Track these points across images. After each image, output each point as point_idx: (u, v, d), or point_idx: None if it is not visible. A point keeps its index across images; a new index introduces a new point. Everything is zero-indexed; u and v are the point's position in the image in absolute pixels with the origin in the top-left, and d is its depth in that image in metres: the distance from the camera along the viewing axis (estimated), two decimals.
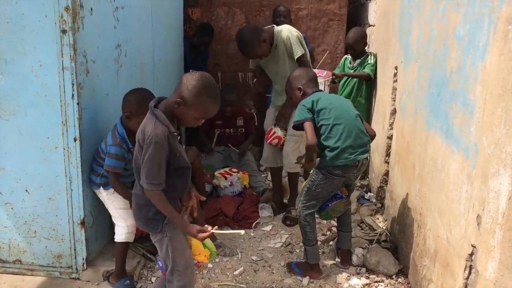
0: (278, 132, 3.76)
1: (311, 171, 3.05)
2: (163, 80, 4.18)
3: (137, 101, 2.75)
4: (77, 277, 2.98)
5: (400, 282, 3.00)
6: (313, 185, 2.97)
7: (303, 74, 3.12)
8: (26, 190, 2.88)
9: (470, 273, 2.00)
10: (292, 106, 3.47)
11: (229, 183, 4.15)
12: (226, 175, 4.20)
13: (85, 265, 2.97)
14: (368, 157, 3.00)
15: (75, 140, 2.77)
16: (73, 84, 2.69)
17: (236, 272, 3.15)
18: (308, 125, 2.89)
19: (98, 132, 2.98)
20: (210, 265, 3.25)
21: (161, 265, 2.37)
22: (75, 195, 2.86)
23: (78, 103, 2.73)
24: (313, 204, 3.02)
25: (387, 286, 2.98)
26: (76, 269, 2.98)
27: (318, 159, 3.01)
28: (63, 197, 2.87)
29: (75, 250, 2.94)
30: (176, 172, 2.19)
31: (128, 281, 2.92)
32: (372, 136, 3.07)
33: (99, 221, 3.08)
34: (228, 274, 3.16)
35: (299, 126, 2.98)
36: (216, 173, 4.25)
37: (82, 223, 2.89)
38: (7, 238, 2.98)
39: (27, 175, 2.86)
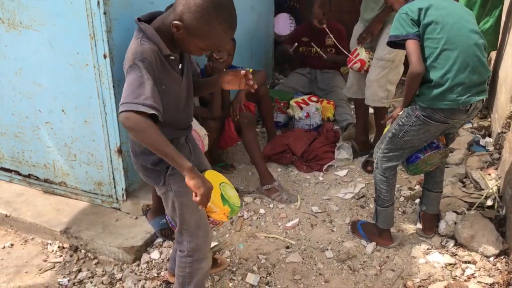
0: (362, 54, 2.97)
1: (401, 112, 2.29)
2: None
3: None
4: (118, 208, 2.76)
5: (498, 269, 2.23)
6: (400, 131, 2.22)
7: None
8: (63, 110, 2.64)
9: None
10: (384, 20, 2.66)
11: (305, 114, 3.53)
12: (302, 105, 3.56)
13: (125, 196, 2.71)
14: (485, 99, 2.14)
15: (104, 57, 2.38)
16: None
17: (289, 224, 2.65)
18: (412, 44, 2.07)
19: None
20: (262, 211, 2.78)
21: (170, 219, 1.95)
22: (110, 120, 2.54)
23: (105, 13, 2.30)
24: (397, 156, 2.30)
25: (478, 270, 2.24)
26: (117, 199, 2.74)
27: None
28: (97, 121, 2.57)
29: (114, 179, 2.69)
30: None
31: (164, 220, 2.60)
32: None
33: None
34: (279, 224, 2.68)
35: (397, 43, 2.16)
36: (292, 102, 3.63)
37: (119, 151, 2.59)
38: (51, 158, 2.84)
39: (62, 94, 2.60)
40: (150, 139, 1.50)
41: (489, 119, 3.79)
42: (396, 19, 2.15)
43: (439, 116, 2.12)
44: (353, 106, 3.88)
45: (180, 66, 1.70)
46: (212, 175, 1.83)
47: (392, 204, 2.38)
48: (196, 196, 1.56)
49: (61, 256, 2.53)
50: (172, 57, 1.61)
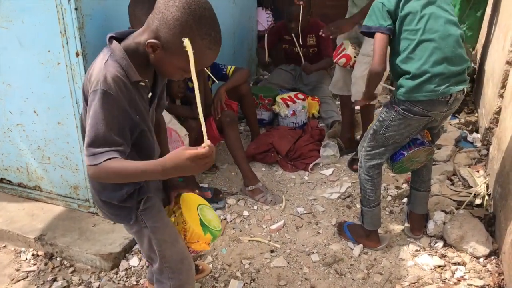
0: (348, 49, 2.88)
1: (381, 108, 2.22)
2: None
3: (135, 15, 2.19)
4: (95, 212, 2.64)
5: (488, 270, 2.17)
6: (382, 127, 2.15)
7: None
8: (35, 111, 2.51)
9: None
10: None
11: (291, 112, 3.43)
12: (289, 102, 3.46)
13: None
14: (465, 89, 2.08)
15: (77, 55, 2.26)
16: None
17: (273, 226, 2.56)
18: (380, 39, 2.02)
19: None
20: (246, 213, 2.69)
21: (146, 258, 1.76)
22: None
23: (76, 9, 2.17)
24: (380, 153, 2.23)
25: (468, 272, 2.18)
26: (93, 203, 2.62)
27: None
28: (71, 122, 2.45)
29: (90, 182, 2.56)
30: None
31: None
32: None
33: None
34: (264, 227, 2.59)
35: (368, 33, 2.10)
36: (278, 98, 3.53)
37: None
38: (24, 162, 2.71)
39: (33, 94, 2.47)
40: (124, 178, 1.35)
41: (476, 114, 3.74)
42: (372, 8, 2.08)
43: (418, 108, 2.05)
44: (338, 103, 3.80)
45: (150, 94, 1.49)
46: (188, 199, 1.71)
47: (378, 204, 2.31)
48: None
49: (35, 264, 2.41)
50: (143, 83, 1.40)
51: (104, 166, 1.29)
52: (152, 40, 1.31)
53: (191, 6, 1.28)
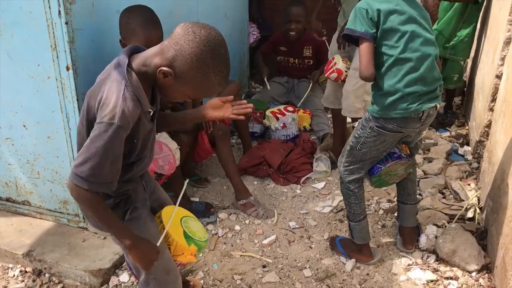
0: (339, 63, 2.89)
1: (356, 123, 2.23)
2: None
3: (129, 27, 2.19)
4: (85, 227, 2.61)
5: (480, 284, 2.16)
6: (357, 143, 2.17)
7: None
8: (24, 126, 2.49)
9: None
10: None
11: (281, 125, 3.43)
12: (279, 115, 3.47)
13: None
14: (438, 105, 2.08)
15: (67, 69, 2.24)
16: None
17: (265, 241, 2.54)
18: (366, 47, 1.99)
19: (101, 59, 2.41)
20: (237, 227, 2.67)
21: (131, 268, 1.77)
22: (74, 135, 2.36)
23: (67, 23, 2.17)
24: (358, 168, 2.24)
25: (461, 287, 2.16)
26: (83, 218, 2.59)
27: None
28: (61, 136, 2.42)
29: None
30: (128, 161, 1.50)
31: None
32: None
33: None
34: (256, 241, 2.56)
35: (353, 38, 2.07)
36: (268, 112, 3.53)
37: None
38: (13, 176, 2.67)
39: (23, 108, 2.45)
40: (96, 216, 1.45)
41: (467, 127, 3.76)
42: (355, 12, 2.04)
43: (392, 125, 2.06)
44: (330, 116, 3.81)
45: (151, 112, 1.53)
46: (170, 213, 1.70)
47: (364, 217, 2.30)
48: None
49: (23, 281, 2.36)
50: (150, 110, 1.46)
51: (90, 196, 1.38)
52: (165, 68, 1.36)
53: (210, 44, 1.33)
